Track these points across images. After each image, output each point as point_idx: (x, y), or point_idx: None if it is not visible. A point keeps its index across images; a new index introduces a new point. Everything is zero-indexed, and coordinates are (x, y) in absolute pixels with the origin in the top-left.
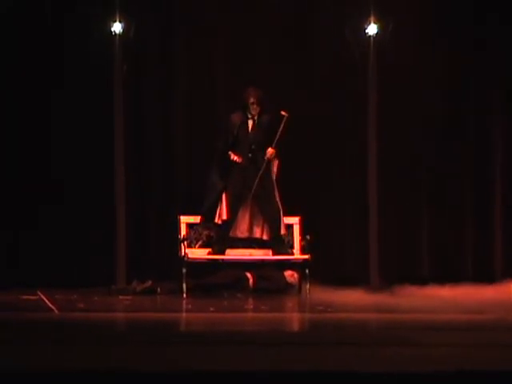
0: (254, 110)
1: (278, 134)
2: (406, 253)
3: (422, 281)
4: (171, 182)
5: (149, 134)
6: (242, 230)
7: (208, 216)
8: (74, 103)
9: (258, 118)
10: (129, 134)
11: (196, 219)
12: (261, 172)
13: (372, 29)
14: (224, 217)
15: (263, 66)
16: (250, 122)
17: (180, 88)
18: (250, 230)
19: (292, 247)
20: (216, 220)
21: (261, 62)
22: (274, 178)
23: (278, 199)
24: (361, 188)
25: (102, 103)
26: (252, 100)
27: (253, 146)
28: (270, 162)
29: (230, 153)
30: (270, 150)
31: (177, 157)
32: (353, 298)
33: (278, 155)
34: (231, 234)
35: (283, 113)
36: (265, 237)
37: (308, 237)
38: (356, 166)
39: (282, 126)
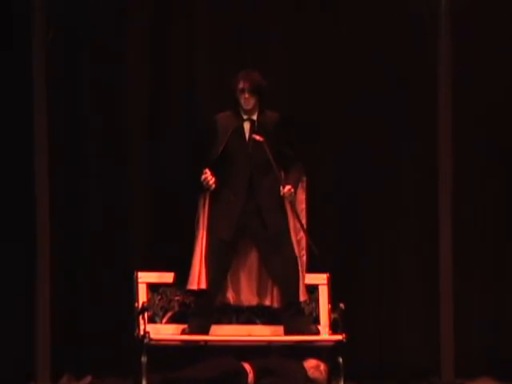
0: (246, 101)
1: (274, 165)
2: (493, 333)
3: None
4: (123, 221)
5: (87, 143)
6: (236, 296)
7: (186, 276)
8: None
9: (258, 120)
10: (55, 144)
11: (162, 277)
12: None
13: None
14: (203, 285)
15: (270, 39)
16: (247, 126)
17: (137, 74)
18: (250, 294)
19: (317, 322)
20: (193, 285)
21: (264, 32)
22: (299, 207)
23: (294, 248)
24: (426, 229)
25: (18, 96)
26: (242, 85)
27: (252, 167)
28: (290, 200)
29: (206, 170)
30: (288, 188)
31: (132, 180)
32: None
33: (303, 171)
34: (220, 301)
35: (257, 138)
36: (274, 304)
37: (342, 306)
38: (421, 190)
39: (267, 153)
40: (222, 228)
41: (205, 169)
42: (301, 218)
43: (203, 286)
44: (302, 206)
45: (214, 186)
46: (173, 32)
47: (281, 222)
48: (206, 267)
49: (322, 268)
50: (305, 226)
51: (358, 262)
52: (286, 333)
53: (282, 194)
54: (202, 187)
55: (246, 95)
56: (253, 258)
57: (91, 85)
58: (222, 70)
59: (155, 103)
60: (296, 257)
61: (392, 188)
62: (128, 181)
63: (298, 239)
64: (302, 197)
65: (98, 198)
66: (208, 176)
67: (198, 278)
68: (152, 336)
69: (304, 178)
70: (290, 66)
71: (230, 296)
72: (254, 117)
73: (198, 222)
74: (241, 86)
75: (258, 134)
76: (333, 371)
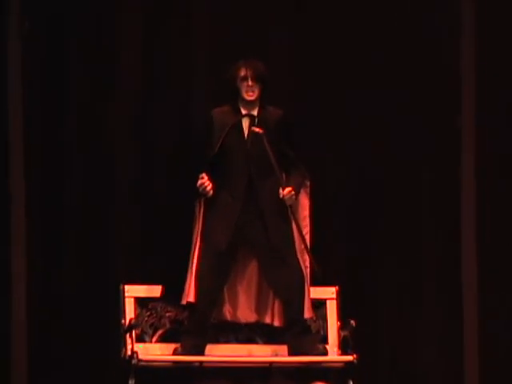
0: (249, 89)
1: (273, 162)
2: None
3: None
4: (109, 227)
5: (69, 142)
6: (233, 311)
7: (176, 290)
8: None
9: (258, 116)
10: (30, 144)
11: (151, 291)
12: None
13: None
14: (191, 298)
15: (270, 38)
16: (246, 123)
17: (130, 72)
18: (248, 310)
19: (324, 341)
20: (183, 299)
21: (264, 31)
22: (302, 214)
23: (299, 258)
24: (446, 231)
25: None
26: (244, 73)
27: (252, 167)
28: (290, 205)
29: (203, 175)
30: (288, 190)
31: (118, 184)
32: None
33: (306, 174)
34: (216, 318)
35: (257, 130)
36: (274, 322)
37: (353, 323)
38: (440, 191)
39: (266, 148)
40: (219, 235)
41: (201, 173)
42: (302, 226)
43: (191, 299)
44: (305, 213)
45: (211, 192)
46: (172, 31)
47: (284, 228)
48: (197, 279)
49: (328, 284)
50: (307, 239)
51: (370, 273)
52: (290, 353)
53: (281, 196)
54: (199, 193)
55: (250, 83)
56: (252, 269)
57: (77, 80)
58: (222, 69)
59: (148, 103)
60: (301, 268)
61: (407, 189)
62: (116, 182)
63: (303, 248)
64: (305, 202)
65: (79, 202)
66: (205, 181)
67: (188, 292)
68: (141, 356)
69: (307, 183)
70: (290, 66)
71: (228, 312)
72: (255, 112)
73: (193, 229)
74: (243, 73)
75: (257, 126)
76: None
